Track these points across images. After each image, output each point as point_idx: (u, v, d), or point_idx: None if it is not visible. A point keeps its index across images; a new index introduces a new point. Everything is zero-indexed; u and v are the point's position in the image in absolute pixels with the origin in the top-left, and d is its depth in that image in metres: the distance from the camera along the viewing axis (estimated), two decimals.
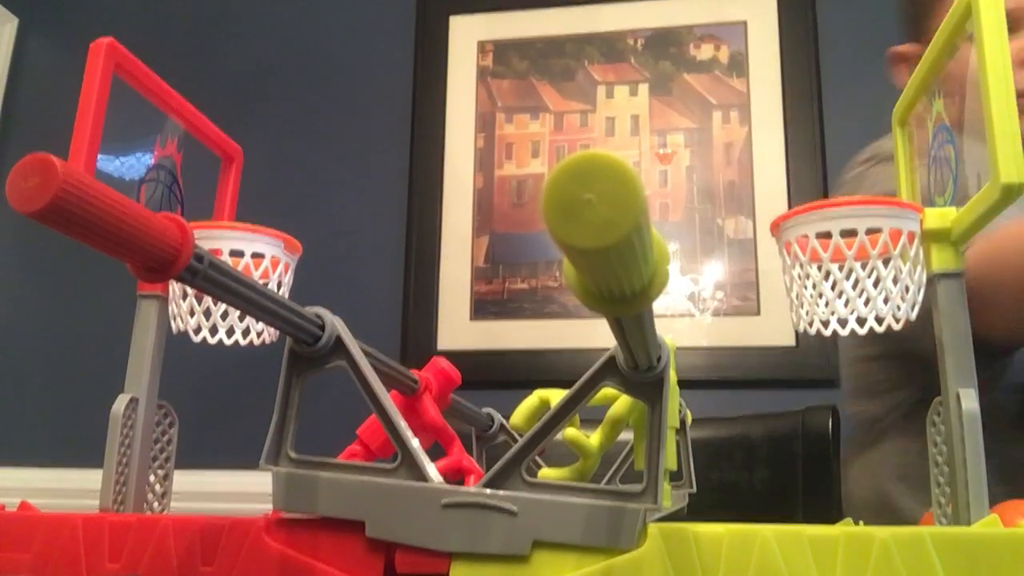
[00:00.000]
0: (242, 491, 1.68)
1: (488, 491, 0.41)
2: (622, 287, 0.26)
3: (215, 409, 1.74)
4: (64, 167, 0.27)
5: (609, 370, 0.41)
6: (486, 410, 0.72)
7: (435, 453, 0.49)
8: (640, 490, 0.40)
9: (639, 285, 0.27)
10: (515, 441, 0.73)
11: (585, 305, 0.28)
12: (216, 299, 0.48)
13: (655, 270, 0.27)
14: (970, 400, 0.50)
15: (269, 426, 0.43)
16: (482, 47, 1.88)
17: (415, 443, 0.42)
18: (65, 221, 0.28)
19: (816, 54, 1.73)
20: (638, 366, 0.40)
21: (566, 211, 0.21)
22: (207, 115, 0.71)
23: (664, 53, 1.81)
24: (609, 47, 1.83)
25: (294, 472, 0.42)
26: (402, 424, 0.43)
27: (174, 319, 0.61)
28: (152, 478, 0.60)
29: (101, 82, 0.58)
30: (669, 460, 0.42)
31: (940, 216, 0.54)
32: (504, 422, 0.72)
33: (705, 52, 1.79)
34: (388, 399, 0.44)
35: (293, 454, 0.43)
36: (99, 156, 0.59)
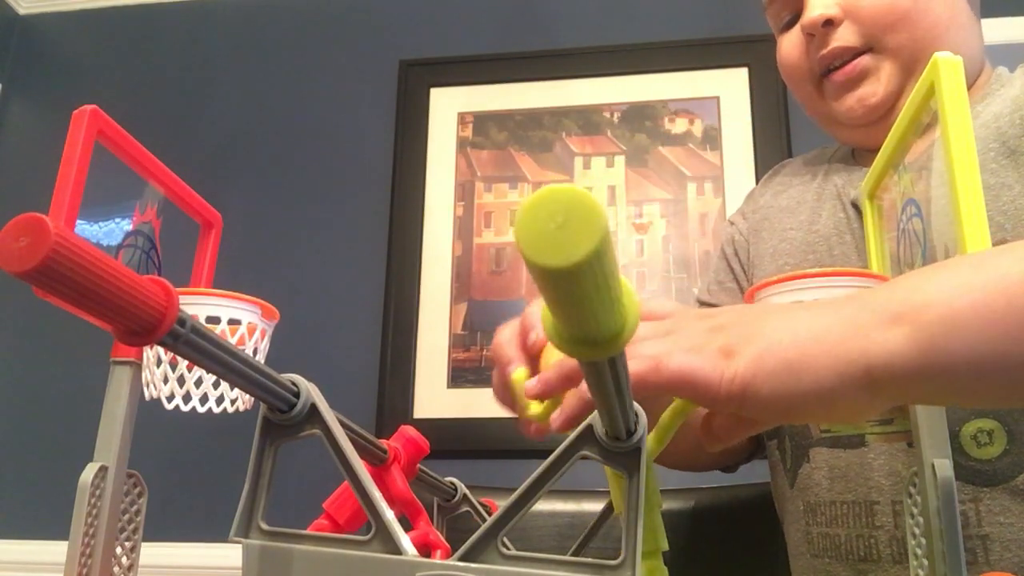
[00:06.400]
0: (210, 565, 1.63)
1: (462, 564, 0.40)
2: (593, 326, 0.28)
3: (185, 480, 1.70)
4: (56, 227, 0.27)
5: (587, 439, 0.41)
6: (449, 479, 0.71)
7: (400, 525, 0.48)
8: (618, 563, 0.39)
9: (610, 326, 0.28)
10: (477, 511, 0.72)
11: (559, 349, 0.29)
12: (194, 364, 0.47)
13: (626, 315, 0.29)
14: (945, 470, 0.50)
15: (239, 497, 0.42)
16: (462, 118, 1.91)
17: (389, 514, 0.42)
18: (54, 281, 0.27)
19: (787, 127, 1.77)
20: (616, 433, 0.40)
21: (537, 235, 0.24)
22: (188, 181, 0.72)
23: (640, 126, 1.85)
24: (586, 120, 1.87)
25: (266, 545, 0.41)
26: (376, 494, 0.42)
27: (147, 386, 0.60)
28: (119, 550, 0.58)
29: (83, 149, 0.58)
30: (659, 539, 0.44)
31: None
32: (467, 492, 0.71)
33: (679, 126, 1.84)
34: (363, 468, 0.43)
35: (264, 526, 0.42)
36: (78, 221, 0.59)
